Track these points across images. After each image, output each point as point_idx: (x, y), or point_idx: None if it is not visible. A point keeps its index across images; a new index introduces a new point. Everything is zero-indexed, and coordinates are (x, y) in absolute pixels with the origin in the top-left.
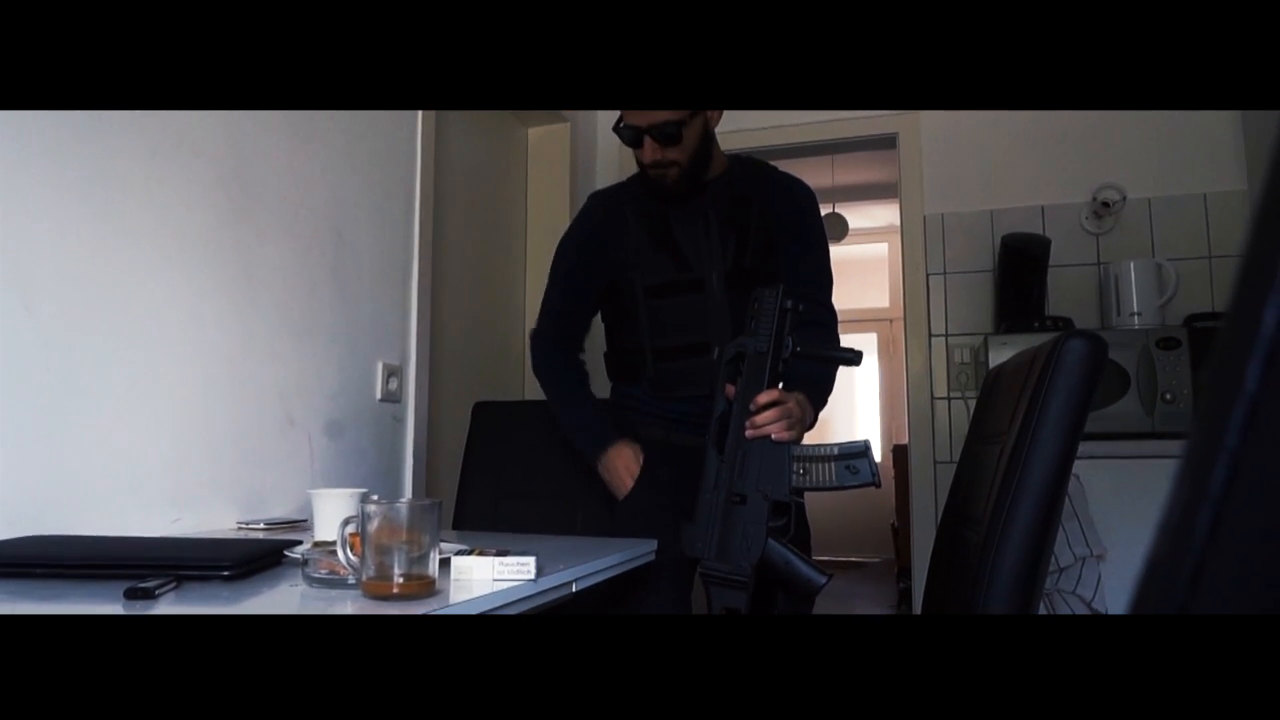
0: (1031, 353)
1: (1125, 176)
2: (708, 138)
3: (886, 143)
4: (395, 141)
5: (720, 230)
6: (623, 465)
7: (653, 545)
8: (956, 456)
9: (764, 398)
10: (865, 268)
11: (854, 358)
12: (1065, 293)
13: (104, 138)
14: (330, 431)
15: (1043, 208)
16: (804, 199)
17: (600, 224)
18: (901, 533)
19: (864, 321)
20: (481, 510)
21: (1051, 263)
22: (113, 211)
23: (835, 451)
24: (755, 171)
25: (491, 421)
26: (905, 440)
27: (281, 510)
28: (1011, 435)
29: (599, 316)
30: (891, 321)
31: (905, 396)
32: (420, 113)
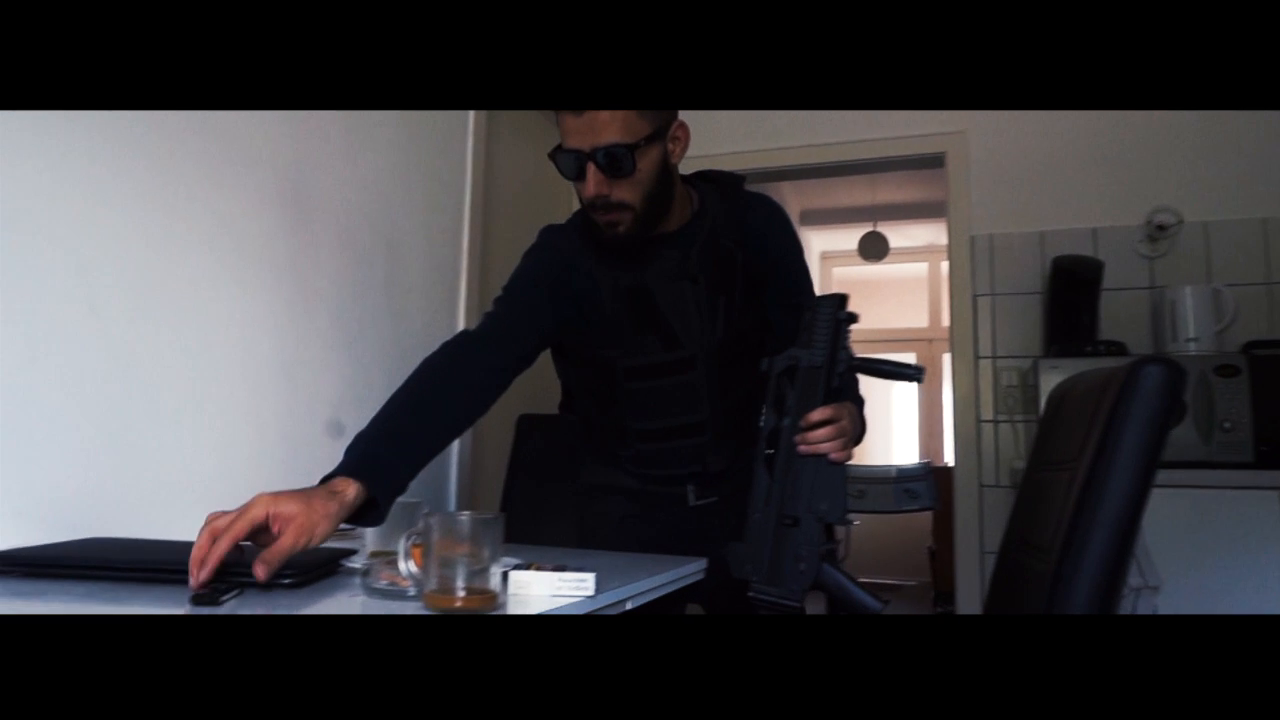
0: (1102, 377)
1: (1181, 199)
2: (667, 175)
3: (933, 162)
4: (446, 155)
5: (710, 296)
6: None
7: (702, 564)
8: (1003, 480)
9: (818, 415)
10: (904, 287)
11: (916, 374)
12: (1117, 317)
13: (168, 146)
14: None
15: (1094, 230)
16: (784, 235)
17: (568, 272)
18: (939, 556)
19: (902, 341)
20: (525, 523)
21: (1103, 286)
22: (174, 219)
23: (894, 474)
24: (731, 211)
25: (536, 434)
26: (944, 462)
27: None
28: (1083, 463)
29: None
30: (931, 342)
31: (945, 418)
32: (470, 126)
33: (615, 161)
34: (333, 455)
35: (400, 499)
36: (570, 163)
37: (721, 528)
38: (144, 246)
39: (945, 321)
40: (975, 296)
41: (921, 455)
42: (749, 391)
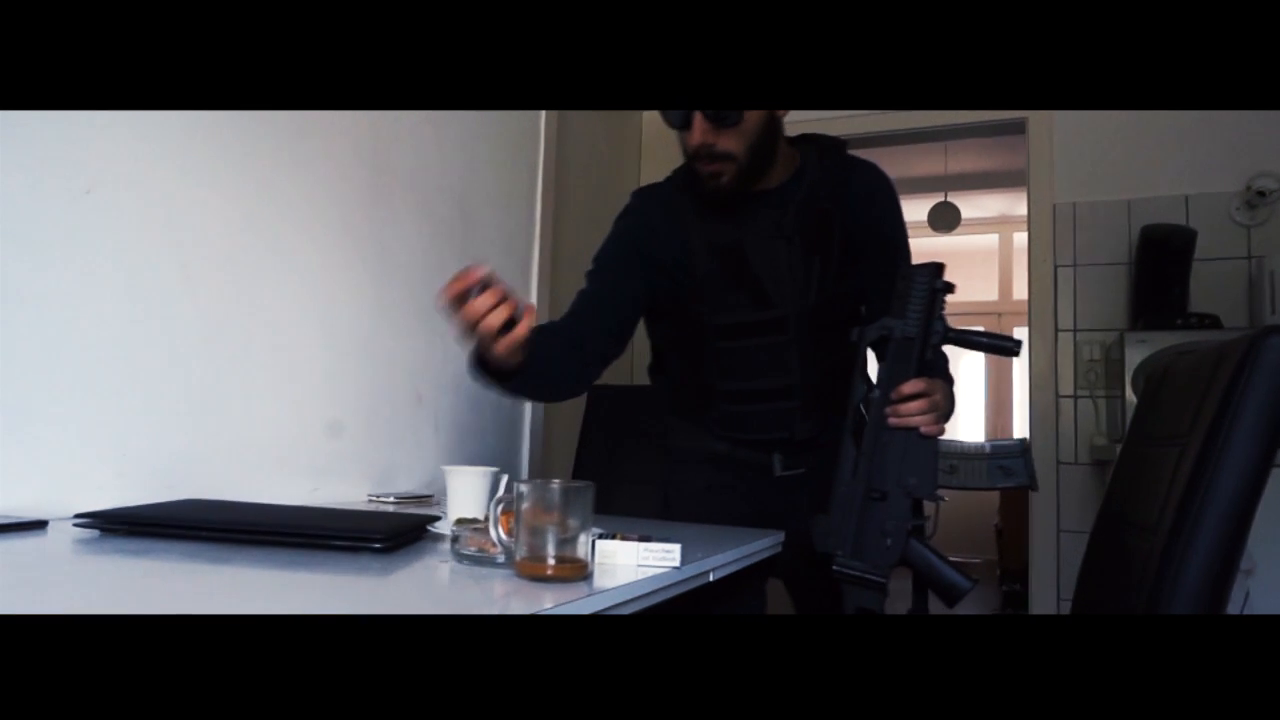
0: (1215, 349)
1: None
2: (773, 128)
3: (1014, 128)
4: (521, 129)
5: (804, 256)
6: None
7: (779, 537)
8: (1081, 458)
9: (909, 387)
10: (974, 259)
11: (1015, 347)
12: (1209, 288)
13: (258, 123)
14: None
15: (1187, 197)
16: (887, 201)
17: (657, 235)
18: (1007, 534)
19: (972, 315)
20: (596, 494)
21: (1195, 256)
22: (264, 187)
23: (988, 450)
24: (832, 172)
25: (606, 406)
26: (1014, 438)
27: (408, 485)
28: (1195, 438)
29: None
30: (1000, 315)
31: (1015, 393)
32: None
33: (723, 111)
34: (412, 425)
35: (479, 467)
36: (677, 114)
37: (807, 501)
38: (235, 218)
39: (1016, 294)
40: (1056, 267)
41: (988, 431)
42: (842, 360)
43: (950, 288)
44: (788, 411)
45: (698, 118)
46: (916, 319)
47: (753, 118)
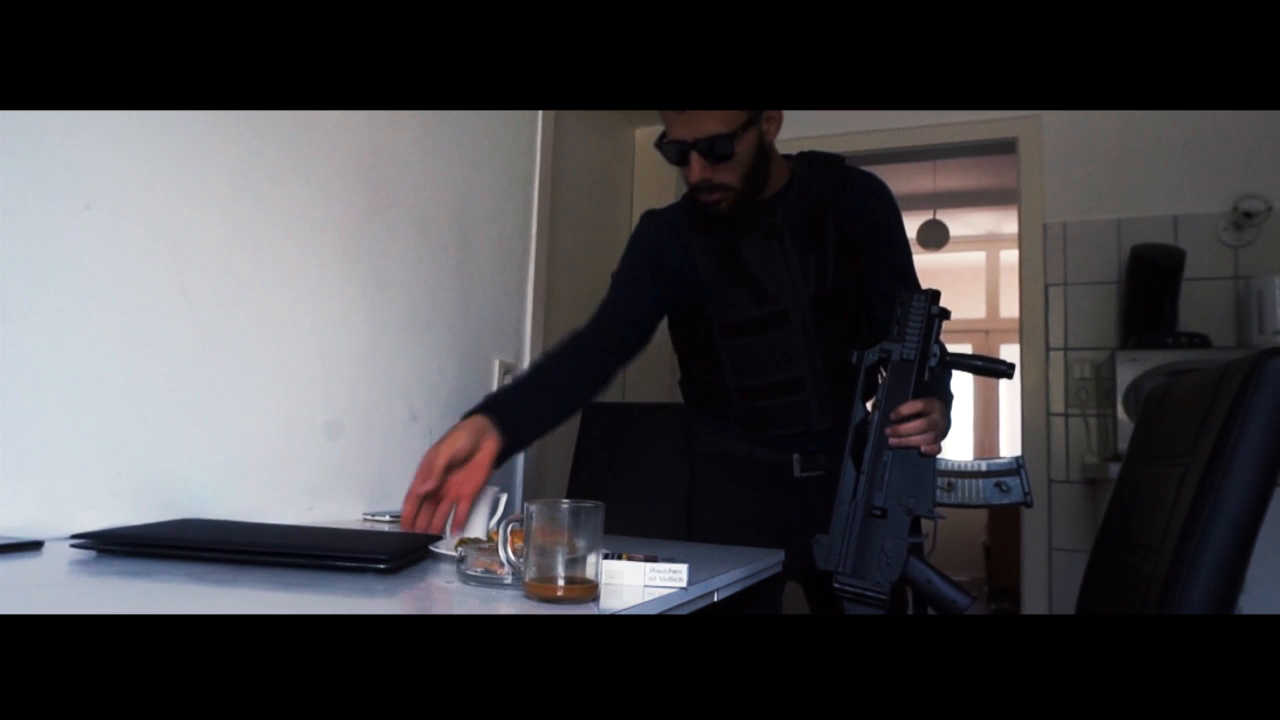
0: (1217, 371)
1: (1270, 185)
2: (764, 153)
3: (1004, 147)
4: (517, 143)
5: (799, 253)
6: (460, 433)
7: (780, 555)
8: (1073, 476)
9: (908, 408)
10: (961, 277)
11: (1006, 370)
12: (1197, 308)
13: (259, 131)
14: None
15: (1175, 218)
16: (884, 202)
17: (663, 249)
18: (995, 551)
19: (960, 332)
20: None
21: (1184, 276)
22: (262, 204)
23: (984, 468)
24: (826, 177)
25: (600, 424)
26: (1008, 456)
27: (401, 503)
28: (1199, 459)
29: (663, 341)
30: (988, 333)
31: (1001, 410)
32: (540, 116)
33: (716, 149)
34: (406, 442)
35: (484, 486)
36: (674, 151)
37: (825, 505)
38: (233, 234)
39: (1004, 312)
40: (1047, 286)
41: (976, 449)
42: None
43: (946, 314)
44: (801, 404)
45: (694, 156)
46: (914, 342)
47: (744, 151)
